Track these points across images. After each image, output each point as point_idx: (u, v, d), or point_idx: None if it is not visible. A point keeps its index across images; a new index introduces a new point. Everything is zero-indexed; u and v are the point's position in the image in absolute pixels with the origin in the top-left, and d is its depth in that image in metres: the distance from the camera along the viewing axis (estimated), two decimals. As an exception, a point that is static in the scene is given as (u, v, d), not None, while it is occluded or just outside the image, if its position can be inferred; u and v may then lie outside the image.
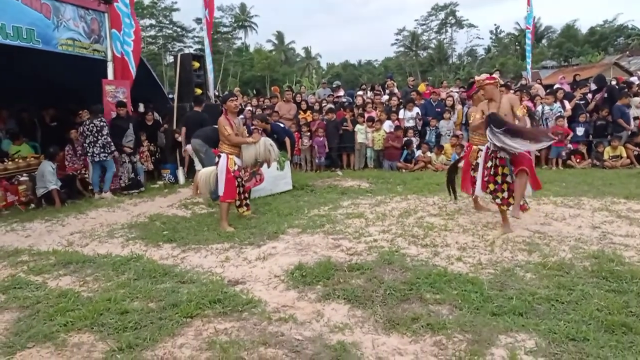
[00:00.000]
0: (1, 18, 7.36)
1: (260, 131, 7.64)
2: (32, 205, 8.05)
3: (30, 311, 3.68)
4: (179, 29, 60.44)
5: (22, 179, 8.22)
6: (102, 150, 8.59)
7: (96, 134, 8.55)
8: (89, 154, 8.65)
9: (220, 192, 6.09)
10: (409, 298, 3.70)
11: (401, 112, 11.87)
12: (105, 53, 9.44)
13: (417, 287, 3.85)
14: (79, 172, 9.09)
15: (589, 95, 12.09)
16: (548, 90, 12.26)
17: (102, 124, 8.63)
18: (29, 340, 3.19)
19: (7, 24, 7.46)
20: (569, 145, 11.01)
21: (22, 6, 7.71)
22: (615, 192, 7.63)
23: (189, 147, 8.58)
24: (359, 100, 12.98)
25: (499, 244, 5.01)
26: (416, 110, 11.79)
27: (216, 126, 8.32)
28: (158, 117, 11.27)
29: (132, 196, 8.80)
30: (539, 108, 11.21)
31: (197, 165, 8.71)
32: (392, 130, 11.48)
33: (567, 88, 12.98)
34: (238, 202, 6.43)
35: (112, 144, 8.71)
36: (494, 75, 5.18)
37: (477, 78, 5.70)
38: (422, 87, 14.87)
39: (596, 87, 12.35)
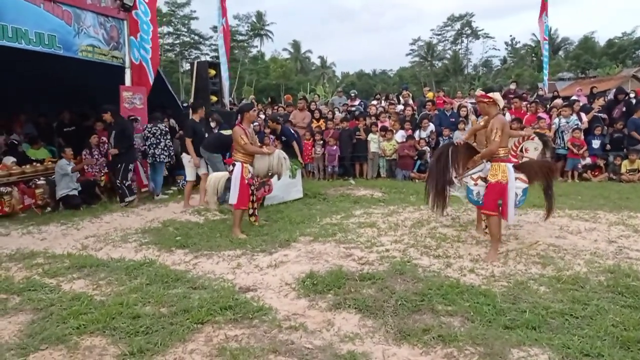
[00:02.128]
0: (24, 24, 7.52)
1: (271, 140, 7.66)
2: (49, 209, 8.16)
3: (44, 313, 3.72)
4: (196, 37, 61.18)
5: (39, 182, 8.33)
6: (162, 151, 9.20)
7: (159, 137, 9.16)
8: (149, 156, 9.18)
9: (234, 199, 6.12)
10: (421, 309, 3.67)
11: (416, 133, 11.80)
12: (124, 60, 9.58)
13: (428, 298, 3.82)
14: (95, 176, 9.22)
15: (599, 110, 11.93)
16: (565, 103, 12.15)
17: (167, 129, 9.40)
18: (42, 343, 3.22)
19: (30, 30, 7.61)
20: (587, 159, 10.90)
21: (44, 13, 7.87)
22: (632, 206, 7.52)
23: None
24: (372, 110, 12.99)
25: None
26: (430, 128, 11.71)
27: (221, 132, 8.42)
28: (174, 124, 11.37)
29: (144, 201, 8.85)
30: (556, 120, 11.12)
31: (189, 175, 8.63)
32: (405, 140, 11.46)
33: (584, 100, 12.86)
34: (251, 211, 6.46)
35: (172, 148, 9.43)
36: (489, 94, 5.14)
37: (476, 93, 5.74)
38: (430, 95, 14.90)
39: (614, 98, 12.21)
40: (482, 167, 5.26)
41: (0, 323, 3.59)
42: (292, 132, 9.74)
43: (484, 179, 5.17)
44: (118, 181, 8.35)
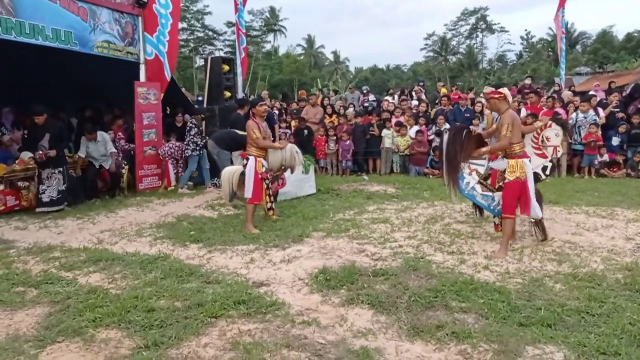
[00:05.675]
0: (41, 20, 7.61)
1: (287, 135, 7.67)
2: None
3: (60, 306, 3.78)
4: (210, 32, 61.30)
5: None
6: (186, 146, 9.47)
7: (187, 133, 9.46)
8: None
9: (249, 194, 6.16)
10: (434, 305, 3.66)
11: (431, 130, 11.71)
12: (138, 55, 9.65)
13: (442, 295, 3.80)
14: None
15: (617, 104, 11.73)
16: (582, 97, 11.95)
17: (191, 124, 9.50)
18: (58, 335, 3.27)
19: (47, 27, 7.71)
20: (605, 156, 10.73)
21: (60, 9, 7.95)
22: (651, 202, 7.40)
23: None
24: (386, 105, 12.91)
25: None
26: (445, 127, 11.57)
27: (231, 129, 8.46)
28: (188, 119, 11.43)
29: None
30: (573, 115, 10.96)
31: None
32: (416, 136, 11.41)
33: (601, 95, 12.63)
34: (268, 205, 6.48)
35: (198, 143, 9.42)
36: (499, 90, 5.14)
37: (484, 91, 5.74)
38: (444, 90, 14.81)
39: (629, 94, 12.00)
40: (484, 163, 5.34)
41: (18, 315, 3.66)
42: (273, 117, 11.14)
43: (480, 175, 5.33)
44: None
